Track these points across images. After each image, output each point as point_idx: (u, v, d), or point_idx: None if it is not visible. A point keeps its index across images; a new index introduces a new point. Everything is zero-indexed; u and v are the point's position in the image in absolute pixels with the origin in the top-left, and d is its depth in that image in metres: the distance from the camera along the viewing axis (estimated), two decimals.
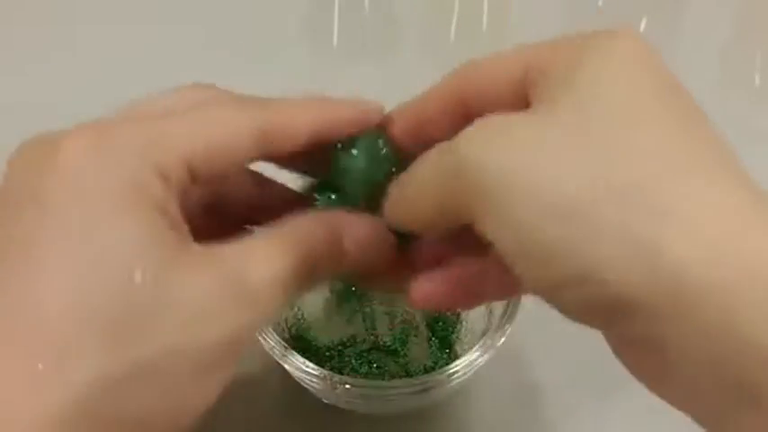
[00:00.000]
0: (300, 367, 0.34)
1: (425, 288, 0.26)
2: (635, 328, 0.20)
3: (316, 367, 0.34)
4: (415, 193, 0.24)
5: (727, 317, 0.18)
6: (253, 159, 0.26)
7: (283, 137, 0.25)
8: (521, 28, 0.64)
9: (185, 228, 0.23)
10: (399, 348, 0.41)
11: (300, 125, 0.26)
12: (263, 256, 0.23)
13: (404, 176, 0.25)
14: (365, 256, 0.26)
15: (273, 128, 0.25)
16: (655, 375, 0.21)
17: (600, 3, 0.68)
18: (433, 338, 0.41)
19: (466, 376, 0.34)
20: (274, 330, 0.35)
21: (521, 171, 0.20)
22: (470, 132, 0.22)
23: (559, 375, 0.41)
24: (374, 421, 0.40)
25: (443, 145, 0.23)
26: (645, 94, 0.21)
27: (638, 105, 0.21)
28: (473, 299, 0.28)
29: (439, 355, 0.40)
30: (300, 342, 0.40)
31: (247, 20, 0.62)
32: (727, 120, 0.60)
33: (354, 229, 0.26)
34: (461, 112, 0.26)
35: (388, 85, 0.57)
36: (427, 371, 0.39)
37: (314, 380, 0.34)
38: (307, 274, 0.24)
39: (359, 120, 0.28)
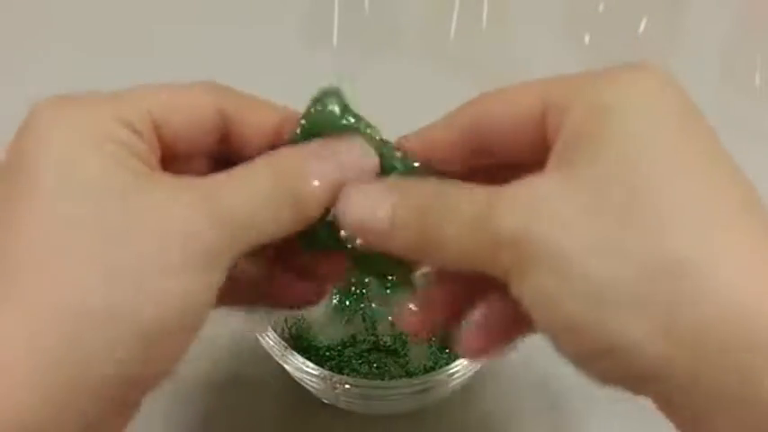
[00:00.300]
0: (300, 367, 0.34)
1: (475, 345, 0.25)
2: (662, 392, 0.21)
3: (316, 367, 0.34)
4: (446, 245, 0.23)
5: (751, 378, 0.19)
6: (218, 141, 0.26)
7: (249, 122, 0.26)
8: (521, 28, 0.64)
9: (155, 160, 0.24)
10: (399, 349, 0.41)
11: (266, 115, 0.27)
12: (238, 178, 0.23)
13: (430, 222, 0.23)
14: (348, 175, 0.25)
15: (240, 108, 0.26)
16: (686, 427, 0.22)
17: (600, 3, 0.68)
18: (433, 339, 0.41)
19: (466, 376, 0.34)
20: (274, 330, 0.35)
21: (554, 246, 0.20)
22: (506, 205, 0.21)
23: (561, 375, 0.41)
24: (374, 421, 0.40)
25: (478, 209, 0.22)
26: (671, 150, 0.21)
27: (666, 166, 0.21)
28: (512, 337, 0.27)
29: (439, 355, 0.40)
30: (300, 342, 0.40)
31: (247, 20, 0.62)
32: (728, 120, 0.60)
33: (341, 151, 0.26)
34: (476, 142, 0.26)
35: (388, 85, 0.57)
36: (427, 371, 0.39)
37: (314, 380, 0.34)
38: (285, 201, 0.24)
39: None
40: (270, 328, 0.35)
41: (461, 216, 0.22)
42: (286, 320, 0.40)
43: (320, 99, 0.28)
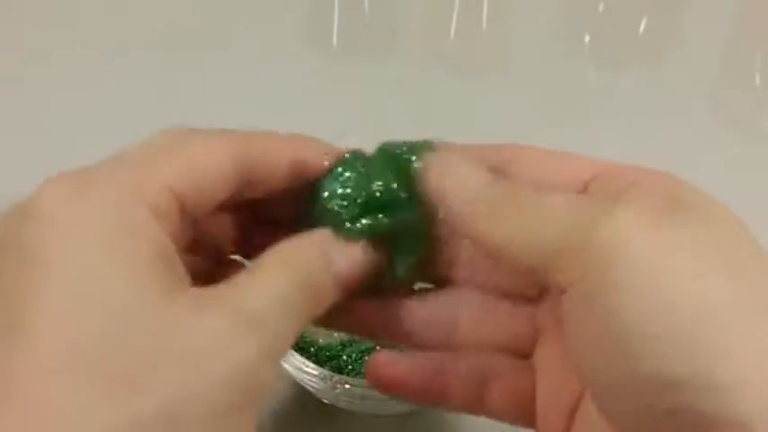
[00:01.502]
0: (300, 367, 0.34)
1: (387, 371, 0.25)
2: None
3: (316, 367, 0.34)
4: (529, 222, 0.22)
5: None
6: (236, 191, 0.25)
7: (265, 165, 0.25)
8: (521, 28, 0.64)
9: (182, 268, 0.21)
10: (399, 348, 0.41)
11: (281, 152, 0.26)
12: (261, 279, 0.21)
13: (523, 196, 0.23)
14: (353, 278, 0.24)
15: (255, 153, 0.25)
16: None
17: (600, 3, 0.68)
18: None
19: None
20: None
21: (656, 279, 0.19)
22: (623, 215, 0.20)
23: None
24: (374, 421, 0.40)
25: (591, 204, 0.21)
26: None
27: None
28: (434, 398, 0.26)
29: None
30: (300, 342, 0.40)
31: (247, 20, 0.62)
32: (727, 120, 0.60)
33: (340, 253, 0.24)
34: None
35: (388, 85, 0.57)
36: None
37: (314, 380, 0.34)
38: (310, 293, 0.22)
39: (335, 151, 0.27)
40: None
41: (565, 203, 0.22)
42: None
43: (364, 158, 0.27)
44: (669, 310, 0.19)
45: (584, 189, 0.23)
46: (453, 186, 0.24)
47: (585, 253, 0.20)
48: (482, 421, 0.26)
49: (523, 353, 0.26)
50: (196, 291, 0.21)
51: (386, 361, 0.26)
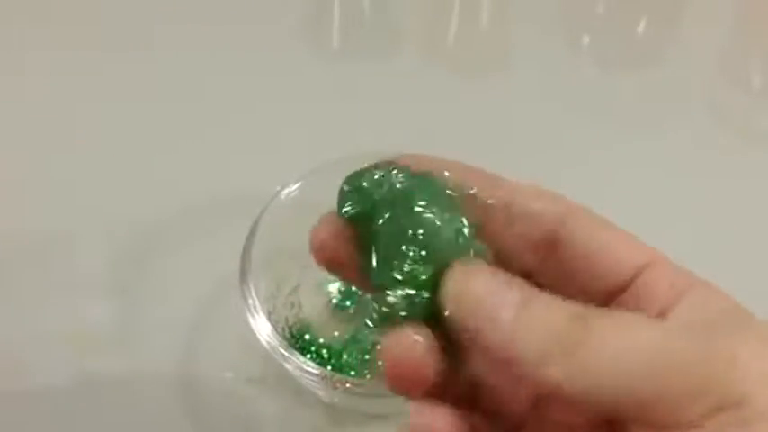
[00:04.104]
0: (300, 367, 0.34)
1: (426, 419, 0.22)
2: None
3: (316, 367, 0.34)
4: (626, 364, 0.19)
5: None
6: None
7: None
8: (520, 28, 0.64)
9: None
10: None
11: None
12: None
13: (607, 328, 0.20)
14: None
15: None
16: None
17: (600, 4, 0.68)
18: None
19: None
20: (274, 330, 0.35)
21: None
22: (746, 355, 0.19)
23: None
24: (374, 421, 0.40)
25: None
26: None
27: None
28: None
29: None
30: (300, 342, 0.40)
31: (247, 20, 0.62)
32: (727, 120, 0.60)
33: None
34: (543, 247, 0.23)
35: (388, 85, 0.57)
36: None
37: (314, 380, 0.34)
38: None
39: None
40: (270, 328, 0.35)
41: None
42: (286, 320, 0.40)
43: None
44: None
45: (634, 277, 0.22)
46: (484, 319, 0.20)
47: (714, 395, 0.18)
48: None
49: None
50: None
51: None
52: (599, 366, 0.19)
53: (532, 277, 0.22)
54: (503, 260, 0.22)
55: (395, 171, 0.23)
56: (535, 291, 0.20)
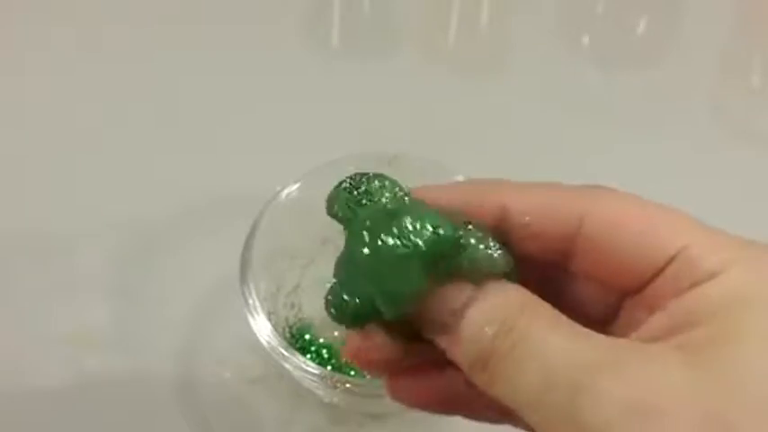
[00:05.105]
0: (300, 367, 0.34)
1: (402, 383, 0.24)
2: None
3: (316, 367, 0.34)
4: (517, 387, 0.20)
5: None
6: None
7: None
8: (520, 28, 0.64)
9: None
10: None
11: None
12: None
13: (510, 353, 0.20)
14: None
15: None
16: None
17: (600, 3, 0.68)
18: None
19: None
20: (274, 330, 0.35)
21: None
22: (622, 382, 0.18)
23: None
24: (374, 421, 0.40)
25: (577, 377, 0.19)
26: None
27: None
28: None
29: None
30: (300, 342, 0.40)
31: (247, 19, 0.62)
32: (727, 120, 0.60)
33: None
34: (561, 248, 0.23)
35: (388, 84, 0.57)
36: None
37: (314, 380, 0.34)
38: None
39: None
40: (270, 328, 0.35)
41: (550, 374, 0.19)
42: (287, 320, 0.40)
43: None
44: None
45: (669, 262, 0.21)
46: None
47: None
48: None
49: None
50: None
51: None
52: (513, 377, 0.20)
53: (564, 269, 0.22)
54: (526, 264, 0.22)
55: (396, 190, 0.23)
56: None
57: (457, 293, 0.21)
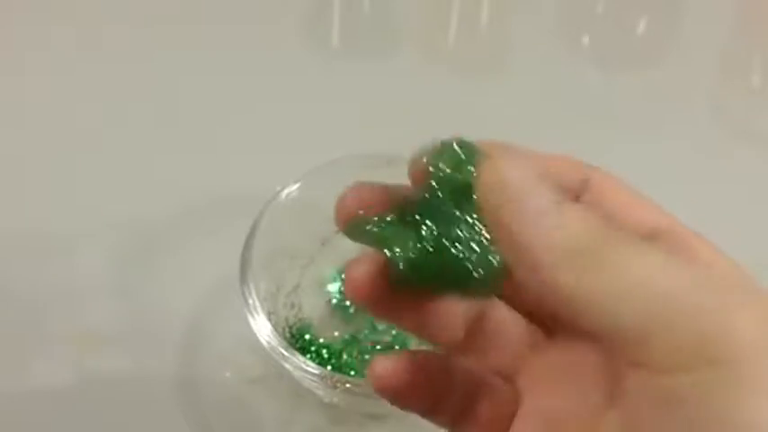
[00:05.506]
0: (300, 367, 0.34)
1: (384, 364, 0.23)
2: None
3: (316, 367, 0.34)
4: (636, 287, 0.19)
5: None
6: None
7: None
8: (520, 28, 0.64)
9: None
10: (400, 348, 0.41)
11: None
12: None
13: (629, 248, 0.19)
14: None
15: None
16: None
17: (599, 4, 0.68)
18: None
19: None
20: (274, 330, 0.35)
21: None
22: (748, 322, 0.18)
23: None
24: (374, 421, 0.40)
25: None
26: None
27: None
28: (429, 399, 0.24)
29: None
30: (300, 342, 0.40)
31: (247, 19, 0.62)
32: (727, 120, 0.60)
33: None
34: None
35: (388, 84, 0.57)
36: None
37: (314, 380, 0.34)
38: None
39: None
40: (270, 328, 0.35)
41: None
42: (287, 320, 0.40)
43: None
44: None
45: (649, 237, 0.21)
46: (519, 211, 0.20)
47: (695, 346, 0.18)
48: None
49: (509, 375, 0.25)
50: None
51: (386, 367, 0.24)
52: (612, 287, 0.18)
53: None
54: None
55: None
56: (570, 199, 0.20)
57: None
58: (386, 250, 0.22)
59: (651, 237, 0.22)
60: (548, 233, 0.19)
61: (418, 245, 0.21)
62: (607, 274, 0.19)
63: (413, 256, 0.21)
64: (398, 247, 0.22)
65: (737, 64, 0.63)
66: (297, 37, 0.61)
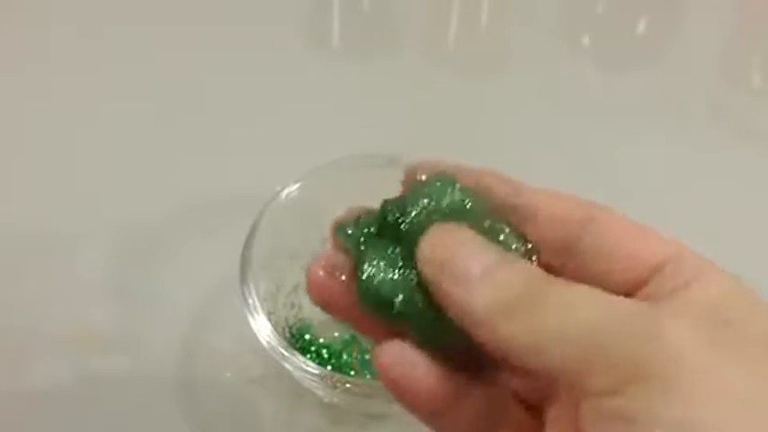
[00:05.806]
0: (300, 367, 0.34)
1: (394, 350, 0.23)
2: None
3: (316, 367, 0.34)
4: (562, 323, 0.20)
5: None
6: None
7: None
8: (520, 29, 0.64)
9: None
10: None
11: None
12: None
13: (551, 290, 0.20)
14: None
15: None
16: None
17: (600, 4, 0.68)
18: None
19: None
20: (274, 330, 0.35)
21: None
22: (676, 333, 0.19)
23: None
24: (374, 421, 0.40)
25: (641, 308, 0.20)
26: None
27: None
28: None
29: None
30: (300, 342, 0.40)
31: (248, 20, 0.62)
32: (727, 120, 0.60)
33: None
34: (564, 249, 0.23)
35: (389, 84, 0.57)
36: None
37: (314, 380, 0.34)
38: None
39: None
40: (270, 328, 0.35)
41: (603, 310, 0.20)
42: (286, 320, 0.40)
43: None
44: None
45: (654, 271, 0.22)
46: (448, 272, 0.21)
47: (628, 367, 0.19)
48: None
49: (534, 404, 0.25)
50: None
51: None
52: (549, 327, 0.20)
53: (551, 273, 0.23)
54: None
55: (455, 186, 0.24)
56: (512, 258, 0.21)
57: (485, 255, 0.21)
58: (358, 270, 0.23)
59: (659, 267, 0.22)
60: (480, 293, 0.20)
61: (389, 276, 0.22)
62: (540, 317, 0.20)
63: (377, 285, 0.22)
64: (371, 268, 0.23)
65: (737, 64, 0.63)
66: (297, 37, 0.61)
